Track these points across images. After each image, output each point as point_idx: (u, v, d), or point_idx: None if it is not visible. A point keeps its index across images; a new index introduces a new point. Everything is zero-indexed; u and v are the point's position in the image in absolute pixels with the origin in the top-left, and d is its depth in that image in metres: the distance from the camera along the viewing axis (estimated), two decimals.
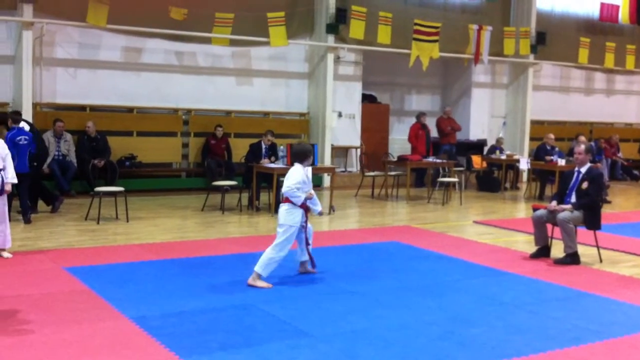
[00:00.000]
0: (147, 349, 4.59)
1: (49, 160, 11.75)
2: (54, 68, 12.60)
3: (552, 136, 14.51)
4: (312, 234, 6.78)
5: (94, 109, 12.99)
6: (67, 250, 7.69)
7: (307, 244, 6.66)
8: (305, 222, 6.56)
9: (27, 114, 11.65)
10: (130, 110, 13.39)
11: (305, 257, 6.75)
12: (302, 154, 6.66)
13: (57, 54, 12.63)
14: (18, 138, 8.82)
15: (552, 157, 13.57)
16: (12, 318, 5.10)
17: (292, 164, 6.80)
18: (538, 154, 14.22)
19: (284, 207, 6.50)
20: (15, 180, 7.35)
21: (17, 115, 9.43)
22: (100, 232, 8.85)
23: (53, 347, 4.55)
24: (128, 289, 6.06)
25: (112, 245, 8.05)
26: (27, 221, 9.28)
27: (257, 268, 6.33)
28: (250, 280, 6.34)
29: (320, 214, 6.85)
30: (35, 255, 7.34)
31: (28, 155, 9.04)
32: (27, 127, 9.58)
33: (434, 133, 15.83)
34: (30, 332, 4.83)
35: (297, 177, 6.48)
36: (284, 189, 6.54)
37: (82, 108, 12.92)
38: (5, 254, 7.09)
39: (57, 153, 12.04)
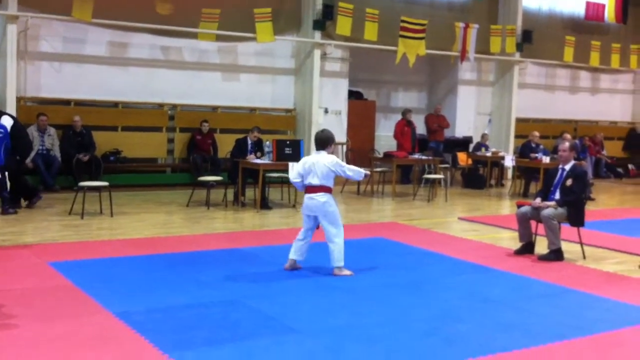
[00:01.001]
0: (132, 344, 4.57)
1: (32, 154, 11.66)
2: (39, 62, 12.51)
3: (537, 134, 14.59)
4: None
5: (78, 103, 12.91)
6: (50, 245, 7.65)
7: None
8: None
9: (11, 108, 11.56)
10: (115, 105, 13.32)
11: (300, 256, 6.76)
12: (326, 140, 6.76)
13: (41, 48, 12.53)
14: None
15: (536, 155, 13.64)
16: None
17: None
18: (523, 152, 14.29)
19: (322, 199, 6.58)
20: None
21: None
22: (84, 227, 8.80)
23: (37, 342, 4.52)
24: (112, 284, 6.03)
25: (97, 241, 8.01)
26: (5, 212, 9.32)
27: (336, 263, 6.60)
28: (337, 272, 6.61)
29: (367, 175, 7.05)
30: (19, 250, 7.29)
31: (4, 148, 8.89)
32: (10, 121, 9.49)
33: (420, 130, 15.86)
34: (14, 327, 4.80)
35: (334, 158, 6.67)
36: (351, 174, 6.75)
37: (67, 102, 12.83)
38: None
39: (41, 147, 11.96)
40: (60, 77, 12.71)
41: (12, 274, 6.27)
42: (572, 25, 18.81)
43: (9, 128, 9.22)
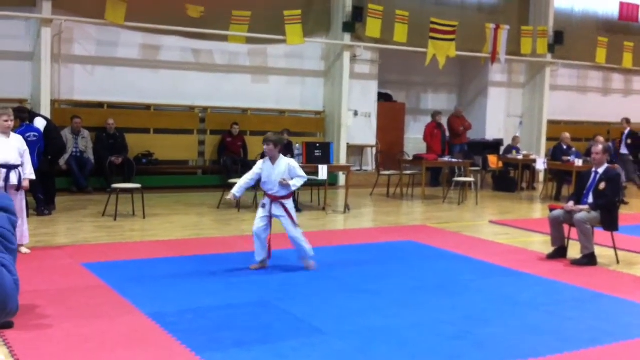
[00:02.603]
0: (163, 344, 4.62)
1: (66, 156, 11.84)
2: (72, 65, 12.69)
3: (567, 135, 14.43)
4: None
5: (111, 106, 13.08)
6: (84, 246, 7.75)
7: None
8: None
9: (46, 110, 11.74)
10: (147, 107, 13.46)
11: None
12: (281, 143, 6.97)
13: (75, 51, 12.71)
14: (27, 135, 8.67)
15: (569, 158, 13.49)
16: (30, 313, 5.15)
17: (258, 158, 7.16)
18: (555, 154, 14.13)
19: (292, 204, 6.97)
20: (34, 177, 7.40)
21: (23, 114, 9.20)
22: (117, 229, 8.91)
23: (71, 342, 4.59)
24: (144, 285, 6.10)
25: (129, 242, 8.10)
26: (41, 213, 9.43)
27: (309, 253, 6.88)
28: (313, 264, 6.89)
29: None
30: (52, 251, 7.41)
31: (37, 151, 8.92)
32: (43, 122, 9.62)
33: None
34: (49, 327, 4.88)
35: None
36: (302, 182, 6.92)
37: (100, 105, 13.01)
38: (24, 250, 7.15)
39: (74, 150, 12.14)
40: (93, 79, 12.89)
41: (46, 275, 6.37)
42: (605, 26, 18.56)
43: (42, 130, 9.35)
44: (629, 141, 14.35)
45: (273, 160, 6.83)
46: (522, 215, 11.77)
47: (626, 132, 14.58)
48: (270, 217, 6.87)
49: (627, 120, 14.94)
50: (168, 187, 13.01)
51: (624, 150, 14.32)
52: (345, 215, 10.93)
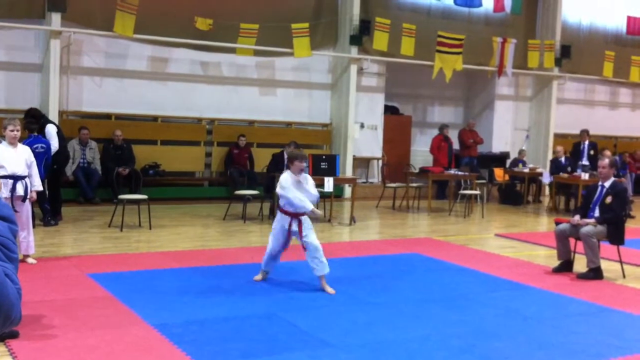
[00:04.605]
0: (169, 356, 4.63)
1: (74, 167, 11.90)
2: (81, 77, 12.77)
3: (560, 149, 14.53)
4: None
5: (119, 117, 13.13)
6: (90, 257, 7.77)
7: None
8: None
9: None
10: (154, 119, 13.52)
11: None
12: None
13: (84, 62, 12.79)
14: (35, 146, 8.52)
15: (567, 173, 13.57)
16: (36, 323, 5.16)
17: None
18: (552, 169, 14.19)
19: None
20: (41, 188, 7.44)
21: (32, 125, 9.13)
22: (123, 240, 8.93)
23: (76, 353, 4.60)
24: (150, 296, 6.11)
25: (135, 253, 8.12)
26: (47, 224, 9.46)
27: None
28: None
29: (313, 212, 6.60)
30: (59, 261, 7.42)
31: (44, 163, 8.90)
32: (54, 129, 9.65)
33: (456, 145, 15.79)
34: (54, 337, 4.89)
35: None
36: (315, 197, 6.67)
37: (107, 117, 13.06)
38: (30, 260, 7.18)
39: (82, 161, 12.19)
40: (102, 91, 12.96)
41: (52, 285, 6.38)
42: (612, 39, 18.58)
43: (52, 140, 9.36)
44: (592, 152, 14.49)
45: (299, 176, 6.59)
46: (528, 228, 11.75)
47: (586, 144, 14.79)
48: (289, 235, 6.67)
49: (587, 132, 15.12)
50: (174, 199, 13.04)
51: (585, 162, 14.39)
52: (351, 227, 10.93)
